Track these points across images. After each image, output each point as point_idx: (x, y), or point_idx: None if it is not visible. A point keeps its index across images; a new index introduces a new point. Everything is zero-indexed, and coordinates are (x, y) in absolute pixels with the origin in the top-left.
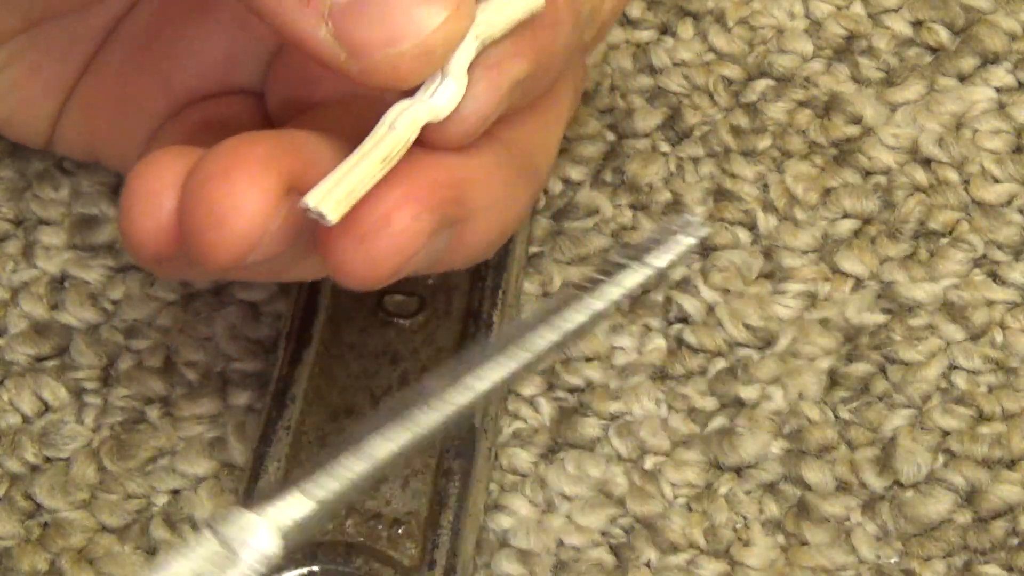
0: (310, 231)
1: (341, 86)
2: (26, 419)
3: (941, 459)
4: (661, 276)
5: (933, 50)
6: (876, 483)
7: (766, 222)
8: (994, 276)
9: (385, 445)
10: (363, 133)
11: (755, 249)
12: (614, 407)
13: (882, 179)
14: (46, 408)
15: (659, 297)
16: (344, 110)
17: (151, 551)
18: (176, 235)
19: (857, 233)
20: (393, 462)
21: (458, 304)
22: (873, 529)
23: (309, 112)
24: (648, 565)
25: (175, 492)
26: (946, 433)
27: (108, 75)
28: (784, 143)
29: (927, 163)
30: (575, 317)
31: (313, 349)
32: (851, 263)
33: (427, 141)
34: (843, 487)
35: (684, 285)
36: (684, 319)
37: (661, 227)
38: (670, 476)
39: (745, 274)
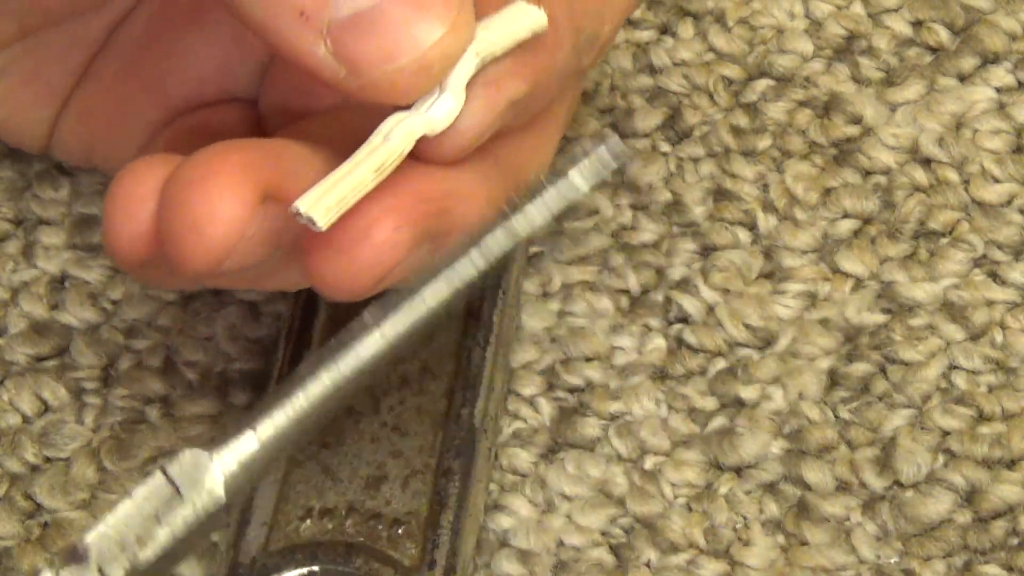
0: (289, 240)
1: (334, 96)
2: (26, 419)
3: (941, 459)
4: (579, 193)
5: (933, 50)
6: (876, 483)
7: (766, 222)
8: (994, 276)
9: (323, 383)
10: (355, 142)
11: (755, 249)
12: (614, 407)
13: (882, 179)
14: (46, 408)
15: (659, 297)
16: (337, 119)
17: None
18: (156, 241)
19: (857, 233)
20: (333, 398)
21: (458, 304)
22: (873, 529)
23: (302, 121)
24: (648, 565)
25: None
26: (946, 433)
27: (104, 82)
28: (784, 143)
29: (927, 163)
30: (500, 239)
31: (313, 349)
32: (851, 263)
33: (420, 154)
34: (843, 487)
35: (684, 285)
36: (684, 319)
37: (581, 148)
38: (670, 476)
39: (745, 274)
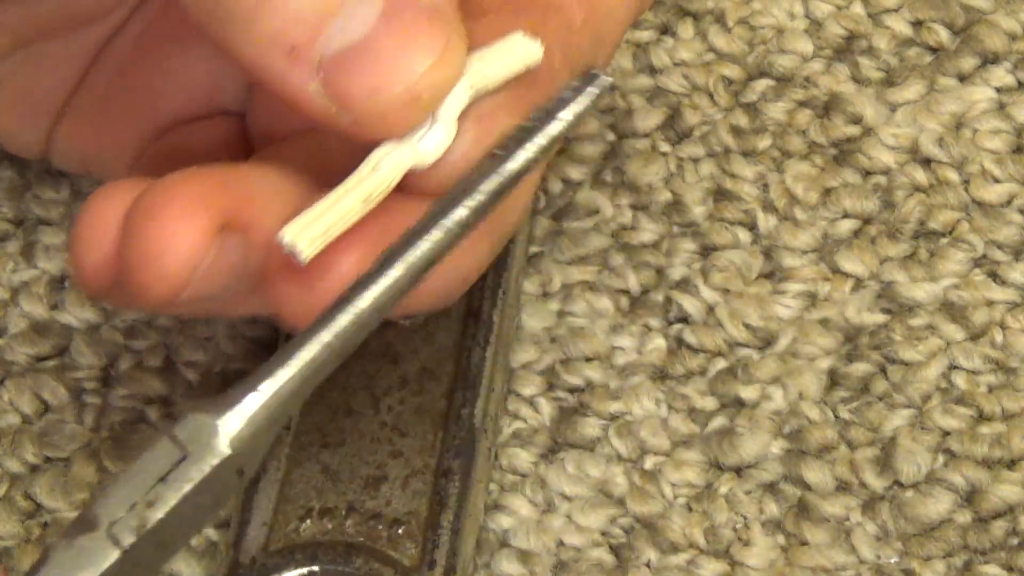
0: (254, 269)
1: None
2: (26, 419)
3: (941, 459)
4: (570, 127)
5: (933, 50)
6: (876, 483)
7: (766, 222)
8: (994, 276)
9: (324, 339)
10: (338, 162)
11: (755, 249)
12: (614, 407)
13: (882, 179)
14: (46, 408)
15: (659, 297)
16: (323, 138)
17: None
18: (117, 270)
19: (857, 233)
20: (335, 352)
21: (458, 304)
22: (873, 529)
23: (285, 141)
24: (648, 565)
25: None
26: (946, 433)
27: (96, 95)
28: (784, 143)
29: (927, 163)
30: (495, 180)
31: None
32: (851, 263)
33: (409, 186)
34: (843, 487)
35: (684, 285)
36: (684, 319)
37: (566, 86)
38: (670, 476)
39: (745, 274)
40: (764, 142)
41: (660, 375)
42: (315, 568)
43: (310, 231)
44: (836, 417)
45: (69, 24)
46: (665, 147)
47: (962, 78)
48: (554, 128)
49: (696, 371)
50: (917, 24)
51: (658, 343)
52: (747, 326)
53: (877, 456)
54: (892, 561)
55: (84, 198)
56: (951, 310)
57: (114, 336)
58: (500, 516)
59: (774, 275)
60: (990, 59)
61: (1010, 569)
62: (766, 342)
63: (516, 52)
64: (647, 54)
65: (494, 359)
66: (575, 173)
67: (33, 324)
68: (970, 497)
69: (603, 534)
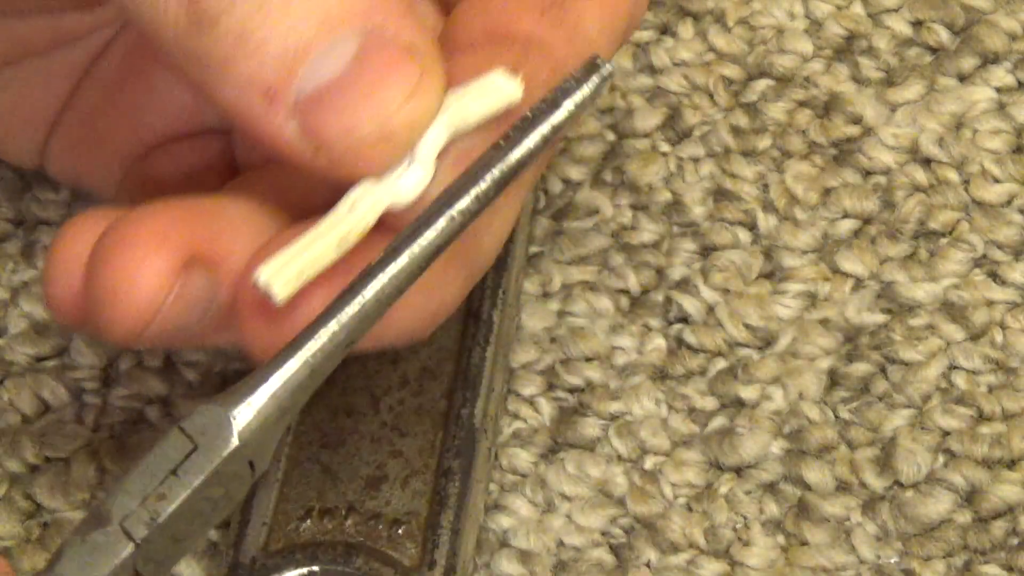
0: (224, 301)
1: None
2: (26, 419)
3: (941, 459)
4: (573, 115)
5: (933, 50)
6: (876, 483)
7: (766, 222)
8: (994, 276)
9: (332, 329)
10: (317, 190)
11: (755, 249)
12: (614, 407)
13: (882, 179)
14: (46, 408)
15: (659, 297)
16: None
17: None
18: (85, 304)
19: (857, 233)
20: (342, 344)
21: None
22: (873, 529)
23: (265, 166)
24: (648, 565)
25: None
26: (946, 433)
27: (85, 112)
28: (784, 143)
29: (927, 163)
30: (499, 168)
31: None
32: (851, 263)
33: (385, 224)
34: (843, 487)
35: (684, 285)
36: (684, 319)
37: (568, 76)
38: (670, 476)
39: (745, 274)
40: (764, 142)
41: (660, 375)
42: (315, 568)
43: (285, 272)
44: (836, 417)
45: (54, 43)
46: (665, 147)
47: (962, 78)
48: (557, 117)
49: (696, 371)
50: (917, 24)
51: (658, 343)
52: (747, 326)
53: (877, 456)
54: (892, 561)
55: (84, 199)
56: (951, 310)
57: None
58: (500, 516)
59: (774, 275)
60: (990, 59)
61: (1010, 569)
62: (766, 342)
63: (495, 91)
64: (647, 54)
65: (494, 359)
66: (575, 173)
67: (33, 324)
68: (970, 497)
69: (603, 534)
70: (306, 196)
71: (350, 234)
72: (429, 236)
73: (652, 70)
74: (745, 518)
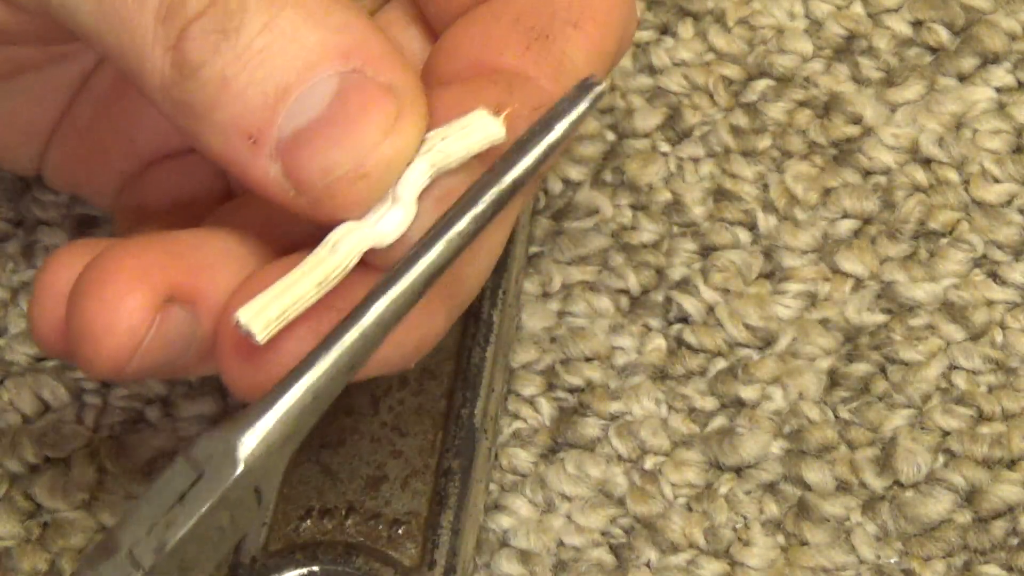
0: (205, 335)
1: None
2: (26, 419)
3: (941, 459)
4: (565, 137)
5: (933, 50)
6: (876, 483)
7: (766, 222)
8: (994, 276)
9: (335, 354)
10: (299, 223)
11: (755, 249)
12: (614, 407)
13: (882, 179)
14: (46, 408)
15: (659, 297)
16: None
17: None
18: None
19: (857, 233)
20: (347, 368)
21: None
22: (873, 529)
23: (247, 199)
24: (648, 565)
25: None
26: (946, 433)
27: (80, 128)
28: (784, 143)
29: (927, 163)
30: (494, 191)
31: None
32: (851, 263)
33: (367, 264)
34: (843, 487)
35: (684, 285)
36: (684, 319)
37: (561, 99)
38: (670, 476)
39: (745, 274)
40: (764, 142)
41: (660, 375)
42: (315, 568)
43: (266, 313)
44: (836, 417)
45: (47, 60)
46: (665, 147)
47: (962, 78)
48: (551, 138)
49: (696, 371)
50: (917, 24)
51: (658, 343)
52: (747, 326)
53: (877, 456)
54: (892, 561)
55: (83, 202)
56: (951, 310)
57: None
58: (500, 516)
59: (774, 275)
60: (990, 59)
61: (1010, 569)
62: (766, 342)
63: (479, 130)
64: (647, 54)
65: (494, 359)
66: (575, 173)
67: None
68: (970, 497)
69: (603, 534)
70: (290, 226)
71: (331, 274)
72: (427, 259)
73: (652, 70)
74: (745, 518)
